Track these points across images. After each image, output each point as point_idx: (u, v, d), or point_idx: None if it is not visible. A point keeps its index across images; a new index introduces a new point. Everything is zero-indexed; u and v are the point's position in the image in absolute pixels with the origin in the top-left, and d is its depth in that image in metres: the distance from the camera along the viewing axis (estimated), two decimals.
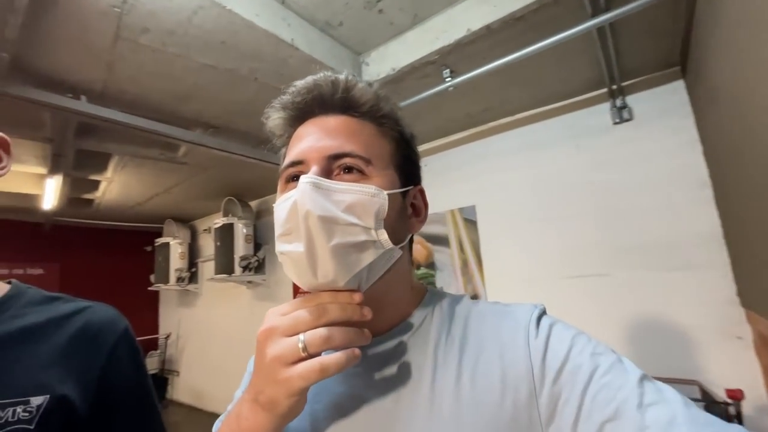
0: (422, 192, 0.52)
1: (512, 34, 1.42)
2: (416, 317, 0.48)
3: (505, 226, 2.13)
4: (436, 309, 0.48)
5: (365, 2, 1.41)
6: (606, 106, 1.85)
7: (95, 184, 3.01)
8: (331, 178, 0.42)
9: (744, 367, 1.43)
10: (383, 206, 0.42)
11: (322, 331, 0.36)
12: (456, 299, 0.50)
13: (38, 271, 4.14)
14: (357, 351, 0.38)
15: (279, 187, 0.47)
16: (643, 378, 0.36)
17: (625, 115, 1.79)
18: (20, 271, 4.01)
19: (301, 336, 0.36)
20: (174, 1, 1.16)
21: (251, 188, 3.39)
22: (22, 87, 1.42)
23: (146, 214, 4.03)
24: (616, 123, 1.82)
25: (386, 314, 0.47)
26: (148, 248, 4.68)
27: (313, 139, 0.44)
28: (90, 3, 1.14)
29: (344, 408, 0.44)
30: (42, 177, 2.59)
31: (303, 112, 0.47)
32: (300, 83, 0.47)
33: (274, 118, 0.49)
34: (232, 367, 3.79)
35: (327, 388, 0.46)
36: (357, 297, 0.40)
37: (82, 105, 1.57)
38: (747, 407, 1.34)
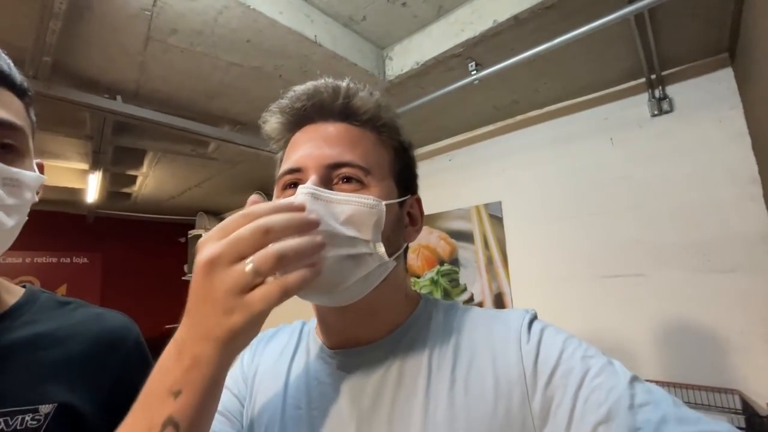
0: (419, 201, 0.52)
1: (542, 23, 1.35)
2: (410, 325, 0.48)
3: (533, 223, 2.06)
4: (429, 317, 0.49)
5: None
6: (644, 98, 1.74)
7: (132, 179, 3.17)
8: (330, 188, 0.42)
9: None
10: (381, 218, 0.42)
11: (271, 250, 0.31)
12: (449, 307, 0.50)
13: (83, 260, 4.42)
14: (318, 264, 0.34)
15: (275, 194, 0.47)
16: (634, 379, 0.37)
17: (665, 106, 1.68)
18: (67, 260, 4.29)
19: (249, 260, 0.31)
20: (200, 2, 1.18)
21: None
22: (63, 88, 1.50)
23: (180, 206, 4.20)
24: (654, 115, 1.72)
25: (380, 321, 0.48)
26: (182, 239, 4.88)
27: (312, 146, 0.44)
28: (121, 7, 1.18)
29: (340, 414, 0.44)
30: (84, 172, 2.74)
31: (302, 117, 0.47)
32: (300, 88, 0.47)
33: (272, 122, 0.49)
34: None
35: (324, 395, 0.46)
36: (299, 204, 0.35)
37: (118, 105, 1.65)
38: None
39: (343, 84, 0.46)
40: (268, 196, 2.66)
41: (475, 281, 2.21)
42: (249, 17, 1.26)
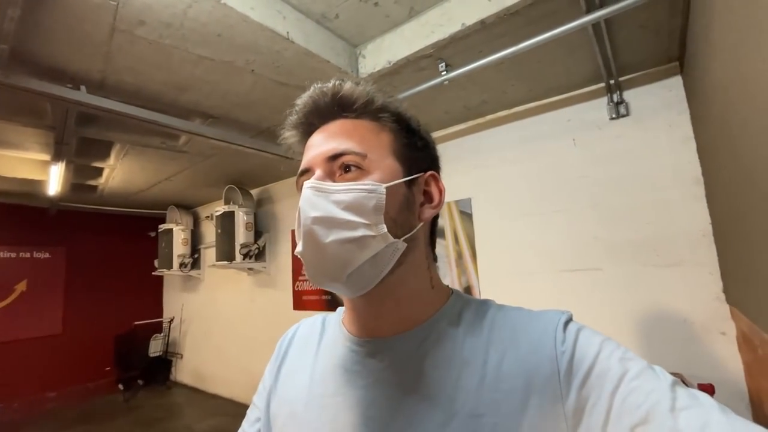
0: (435, 177, 0.51)
1: (508, 28, 1.41)
2: (440, 317, 0.48)
3: (501, 220, 2.15)
4: (462, 310, 0.48)
5: None
6: (603, 101, 1.85)
7: (98, 171, 3.06)
8: (334, 180, 0.45)
9: (727, 362, 1.46)
10: (381, 200, 0.43)
11: None
12: (482, 303, 0.50)
13: (45, 255, 4.23)
14: None
15: (299, 195, 0.50)
16: (675, 383, 0.36)
17: (622, 110, 1.79)
18: (27, 255, 4.10)
19: None
20: None
21: (252, 177, 3.42)
22: (22, 77, 1.44)
23: (149, 200, 4.08)
24: (612, 118, 1.82)
25: (406, 311, 0.47)
26: (152, 234, 4.75)
27: (316, 146, 0.47)
28: None
29: (366, 401, 0.45)
30: (46, 163, 2.63)
31: (308, 126, 0.50)
32: (299, 102, 0.50)
33: (289, 139, 0.53)
34: (233, 351, 3.89)
35: (350, 382, 0.47)
36: None
37: (82, 95, 1.60)
38: (728, 402, 1.37)
39: (330, 84, 0.48)
40: (241, 190, 2.64)
41: (445, 275, 2.28)
42: (219, 12, 1.26)
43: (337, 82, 0.48)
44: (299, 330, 0.61)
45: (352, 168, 0.44)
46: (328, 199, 0.43)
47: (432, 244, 0.53)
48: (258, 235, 3.58)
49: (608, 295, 1.78)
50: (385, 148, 0.47)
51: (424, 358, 0.45)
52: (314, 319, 0.61)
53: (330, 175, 0.45)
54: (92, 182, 3.32)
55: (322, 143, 0.47)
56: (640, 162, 1.74)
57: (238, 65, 1.57)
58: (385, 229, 0.43)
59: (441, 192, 0.51)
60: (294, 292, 3.35)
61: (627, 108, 1.78)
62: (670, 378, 0.36)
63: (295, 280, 3.36)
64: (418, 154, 0.50)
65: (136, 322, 4.53)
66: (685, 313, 1.59)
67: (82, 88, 1.61)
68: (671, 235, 1.64)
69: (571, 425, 0.37)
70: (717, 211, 1.46)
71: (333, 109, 0.48)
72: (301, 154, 0.52)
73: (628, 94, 1.79)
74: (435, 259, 0.53)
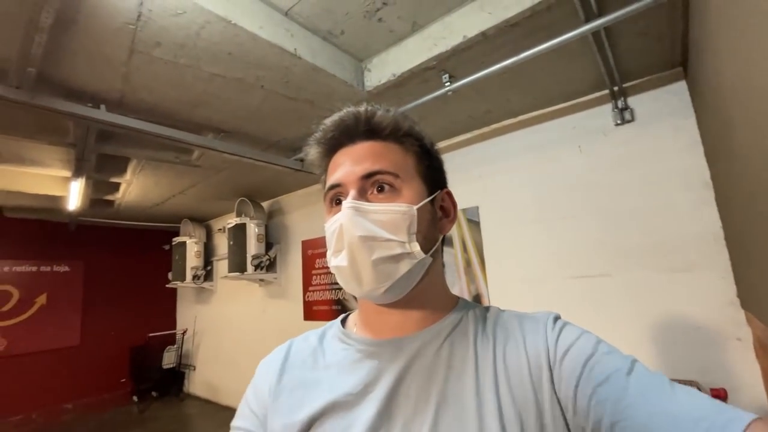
0: (449, 194, 0.58)
1: (509, 39, 1.45)
2: (455, 316, 0.53)
3: (508, 227, 2.15)
4: (470, 311, 0.54)
5: (365, 12, 1.47)
6: (608, 108, 1.86)
7: (116, 186, 3.16)
8: (367, 197, 0.50)
9: (743, 368, 1.43)
10: (414, 221, 0.49)
11: None
12: (485, 307, 0.57)
13: (64, 269, 4.36)
14: None
15: (325, 208, 0.55)
16: (636, 362, 0.43)
17: (627, 116, 1.79)
18: (47, 268, 4.23)
19: None
20: (183, 16, 1.24)
21: (263, 189, 3.50)
22: (47, 98, 1.53)
23: (164, 214, 4.19)
24: (618, 124, 1.83)
25: (426, 312, 0.53)
26: (166, 247, 4.86)
27: (348, 165, 0.51)
28: (107, 20, 1.23)
29: (394, 397, 0.47)
30: (66, 179, 2.74)
31: (334, 144, 0.55)
32: (328, 121, 0.54)
33: (312, 153, 0.57)
34: (244, 362, 3.92)
35: (375, 381, 0.49)
36: None
37: (102, 114, 1.68)
38: (745, 408, 1.33)
39: (362, 109, 0.53)
40: (252, 203, 2.69)
41: (454, 284, 2.28)
42: (230, 32, 1.32)
43: (370, 108, 0.53)
44: (293, 347, 0.61)
45: (386, 187, 0.50)
46: (368, 218, 0.48)
47: (442, 252, 0.59)
48: (269, 246, 3.64)
49: (618, 301, 1.76)
50: (412, 170, 0.52)
51: (445, 351, 0.50)
52: (304, 336, 0.63)
53: (362, 193, 0.50)
54: (110, 197, 3.43)
55: (355, 163, 0.51)
56: (647, 167, 1.74)
57: (248, 81, 1.64)
58: (418, 247, 0.48)
59: (455, 206, 0.58)
60: (305, 302, 3.38)
61: (632, 114, 1.79)
62: (633, 357, 0.43)
63: (305, 290, 3.39)
64: (436, 174, 0.56)
65: (150, 334, 4.60)
66: (698, 319, 1.56)
67: (102, 107, 1.69)
68: (681, 239, 1.63)
69: (559, 397, 0.43)
70: (728, 215, 1.44)
71: (362, 131, 0.53)
72: (321, 168, 0.57)
73: (632, 100, 1.80)
74: (443, 266, 0.59)
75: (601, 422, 0.38)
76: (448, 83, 1.66)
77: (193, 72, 1.54)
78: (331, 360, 0.55)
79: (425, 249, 0.49)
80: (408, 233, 0.48)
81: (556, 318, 0.50)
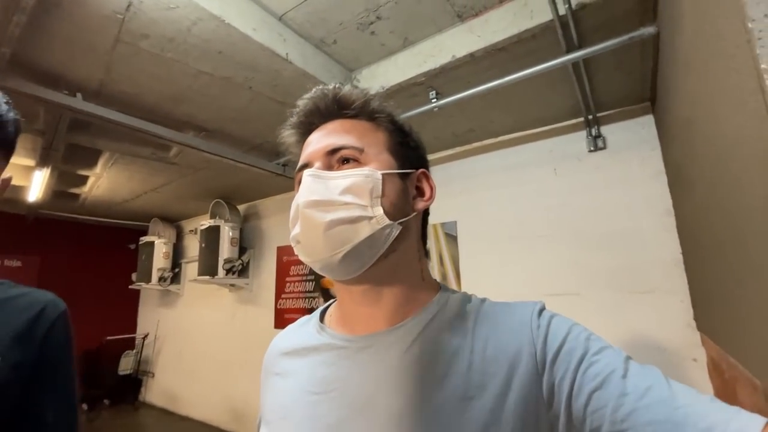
0: (426, 175, 0.55)
1: (495, 62, 1.51)
2: (431, 309, 0.50)
3: (484, 243, 2.20)
4: (450, 301, 0.51)
5: (359, 24, 1.50)
6: (583, 134, 1.96)
7: (83, 179, 3.02)
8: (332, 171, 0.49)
9: (699, 387, 1.50)
10: (377, 185, 0.47)
11: None
12: (466, 295, 0.54)
13: (17, 263, 4.08)
14: None
15: (295, 189, 0.53)
16: (629, 359, 0.41)
17: (600, 143, 1.90)
18: None
19: None
20: (175, 11, 1.23)
21: (240, 192, 3.43)
22: (18, 81, 1.46)
23: (133, 211, 4.02)
24: (591, 151, 1.93)
25: (399, 300, 0.50)
26: (132, 246, 4.65)
27: (315, 142, 0.51)
28: (94, 7, 1.20)
29: (361, 395, 0.46)
30: (29, 169, 2.59)
31: (308, 125, 0.54)
32: (300, 103, 0.54)
33: (288, 138, 0.56)
34: (207, 370, 3.76)
35: (342, 378, 0.48)
36: None
37: (77, 102, 1.61)
38: None
39: (330, 86, 0.53)
40: (228, 205, 2.63)
41: None
42: (223, 31, 1.32)
43: (337, 85, 0.53)
44: (282, 336, 0.62)
45: (350, 161, 0.48)
46: (327, 184, 0.46)
47: (423, 239, 0.56)
48: (243, 250, 3.55)
49: (585, 320, 1.78)
50: (381, 145, 0.51)
51: (416, 349, 0.47)
52: (295, 325, 0.62)
53: (327, 168, 0.49)
54: (75, 190, 3.26)
55: (321, 139, 0.50)
56: (616, 193, 1.84)
57: (236, 81, 1.63)
58: (381, 212, 0.46)
59: (432, 188, 0.55)
60: (276, 310, 3.30)
61: (604, 142, 1.90)
62: (625, 354, 0.42)
63: (278, 297, 3.31)
64: (410, 153, 0.54)
65: (107, 338, 4.35)
66: (658, 339, 1.65)
67: (79, 95, 1.63)
68: (645, 263, 1.72)
69: (547, 399, 0.41)
70: (686, 242, 1.54)
71: (333, 109, 0.52)
72: (297, 153, 0.56)
73: (605, 129, 1.91)
74: (426, 254, 0.57)
75: (600, 431, 0.37)
76: (435, 99, 1.70)
77: (180, 67, 1.52)
78: (310, 352, 0.54)
79: (393, 216, 0.47)
80: (371, 197, 0.46)
81: (541, 310, 0.48)
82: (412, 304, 0.50)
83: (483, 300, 0.53)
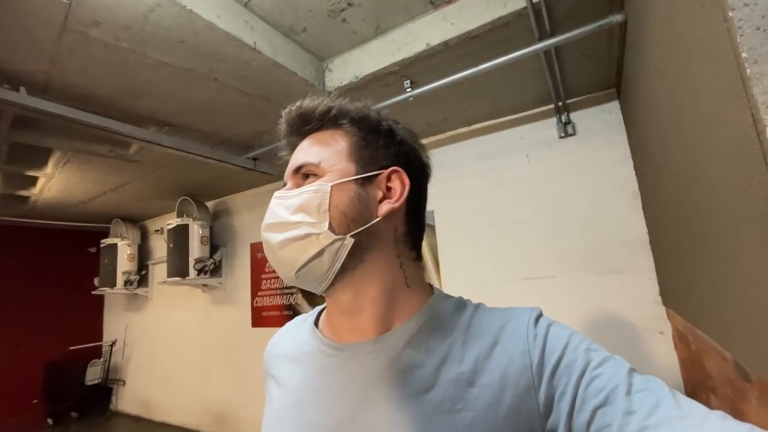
0: (398, 172, 0.51)
1: (469, 50, 1.51)
2: (422, 314, 0.49)
3: (462, 232, 2.23)
4: (441, 308, 0.50)
5: (329, 11, 1.44)
6: (553, 121, 2.01)
7: (32, 181, 2.79)
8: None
9: (665, 359, 1.61)
10: (325, 199, 0.47)
11: None
12: (460, 302, 0.52)
13: None
14: None
15: None
16: (632, 371, 0.40)
17: (570, 130, 1.95)
18: None
19: None
20: None
21: (209, 188, 3.29)
22: None
23: (91, 213, 3.77)
24: (561, 137, 1.98)
25: (382, 308, 0.48)
26: (92, 249, 4.38)
27: (290, 162, 0.53)
28: None
29: (347, 405, 0.45)
30: None
31: (291, 146, 0.56)
32: (279, 126, 0.55)
33: (282, 157, 0.58)
34: (182, 374, 3.64)
35: (329, 387, 0.48)
36: None
37: (21, 97, 1.47)
38: None
39: (293, 107, 0.52)
40: (196, 202, 2.52)
41: None
42: (184, 17, 1.23)
43: (299, 102, 0.52)
44: (279, 336, 0.62)
45: (310, 176, 0.50)
46: (285, 204, 0.49)
47: (410, 242, 0.53)
48: (214, 249, 3.42)
49: (560, 302, 1.90)
50: (341, 153, 0.50)
51: (403, 359, 0.46)
52: (294, 322, 0.62)
53: (296, 186, 0.50)
54: (24, 193, 3.01)
55: (292, 159, 0.53)
56: (586, 178, 1.90)
57: (200, 73, 1.53)
58: (326, 227, 0.46)
59: (404, 187, 0.50)
60: (253, 308, 3.22)
61: (574, 128, 1.95)
62: (628, 366, 0.40)
63: (254, 295, 3.23)
64: (377, 153, 0.51)
65: (70, 348, 4.10)
66: (627, 316, 1.74)
67: (22, 89, 1.48)
68: (614, 244, 1.80)
69: (543, 413, 0.40)
70: (652, 222, 1.62)
71: (299, 127, 0.53)
72: None
73: (574, 116, 1.96)
74: (417, 257, 0.54)
75: None
76: (410, 89, 1.68)
77: (138, 58, 1.41)
78: (300, 358, 0.54)
79: (342, 229, 0.46)
80: (318, 212, 0.46)
81: (538, 317, 0.47)
82: (399, 313, 0.49)
83: (477, 306, 0.51)
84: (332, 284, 0.48)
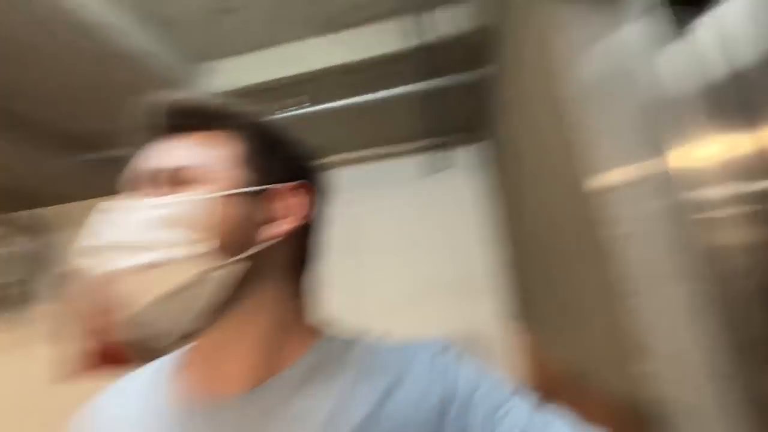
0: (299, 188, 0.44)
1: (362, 78, 1.54)
2: (308, 358, 0.42)
3: (343, 260, 2.19)
4: (331, 348, 0.44)
5: (213, 9, 1.30)
6: (426, 157, 2.19)
7: None
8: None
9: (518, 370, 1.84)
10: (212, 213, 0.39)
11: None
12: (354, 340, 0.47)
13: None
14: None
15: None
16: (517, 390, 0.42)
17: (441, 166, 2.17)
18: None
19: None
20: None
21: (21, 197, 2.53)
22: None
23: None
24: (433, 173, 2.19)
25: (258, 357, 0.41)
26: None
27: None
28: None
29: None
30: None
31: (149, 141, 0.45)
32: (137, 112, 0.44)
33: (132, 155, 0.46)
34: None
35: None
36: None
37: None
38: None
39: (169, 94, 0.42)
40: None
41: None
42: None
43: (178, 92, 0.42)
44: (105, 400, 0.46)
45: (185, 183, 0.39)
46: (141, 216, 0.37)
47: (304, 270, 0.47)
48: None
49: (427, 324, 1.98)
50: (230, 160, 0.41)
51: (288, 410, 0.39)
52: (125, 381, 0.48)
53: (163, 195, 0.39)
54: None
55: (152, 160, 0.41)
56: (458, 210, 2.12)
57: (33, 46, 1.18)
58: (209, 248, 0.36)
59: (304, 205, 0.44)
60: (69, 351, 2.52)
61: (446, 164, 2.18)
62: (514, 387, 0.43)
63: (72, 335, 2.55)
64: (274, 165, 0.44)
65: None
66: (489, 334, 1.95)
67: None
68: (476, 270, 2.04)
69: None
70: (507, 253, 1.88)
71: (177, 121, 0.42)
72: None
73: (445, 154, 2.18)
74: (308, 288, 0.48)
75: None
76: (294, 109, 1.63)
77: None
78: (150, 422, 0.41)
79: (229, 252, 0.37)
80: (201, 229, 0.38)
81: (442, 351, 0.45)
82: (283, 356, 0.42)
83: (373, 342, 0.47)
84: (201, 326, 0.38)
